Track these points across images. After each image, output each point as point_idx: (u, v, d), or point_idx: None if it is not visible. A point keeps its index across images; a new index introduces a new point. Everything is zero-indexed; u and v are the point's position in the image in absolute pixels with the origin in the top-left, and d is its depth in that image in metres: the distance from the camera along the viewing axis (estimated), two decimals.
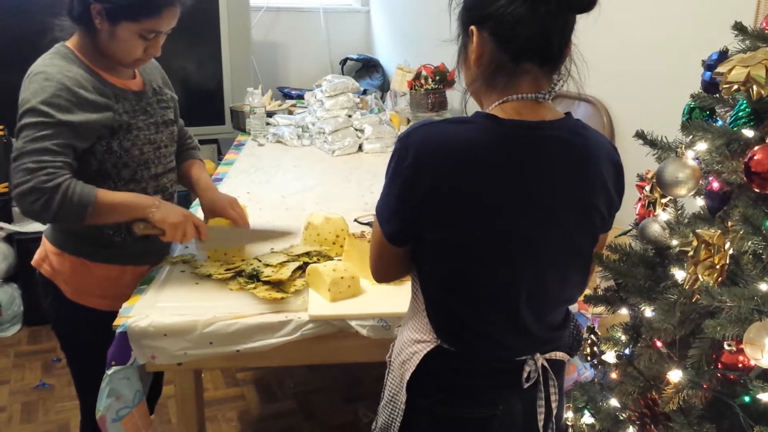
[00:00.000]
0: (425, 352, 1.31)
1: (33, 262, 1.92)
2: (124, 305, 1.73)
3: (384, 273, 1.38)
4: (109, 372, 1.63)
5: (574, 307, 1.74)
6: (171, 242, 1.93)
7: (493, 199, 1.19)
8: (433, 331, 1.31)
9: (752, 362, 1.11)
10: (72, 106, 1.66)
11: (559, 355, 1.38)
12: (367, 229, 2.17)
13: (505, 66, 1.20)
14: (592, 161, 1.26)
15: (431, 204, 1.19)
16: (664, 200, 1.45)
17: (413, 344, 1.33)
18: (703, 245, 1.16)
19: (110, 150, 1.76)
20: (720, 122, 1.38)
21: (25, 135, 1.62)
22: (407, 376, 1.32)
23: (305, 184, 2.88)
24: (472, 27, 1.22)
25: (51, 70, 1.67)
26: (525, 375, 1.31)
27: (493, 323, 1.28)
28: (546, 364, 1.34)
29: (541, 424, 1.36)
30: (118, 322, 1.65)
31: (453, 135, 1.19)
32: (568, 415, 1.58)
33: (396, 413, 1.35)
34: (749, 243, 1.18)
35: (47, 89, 1.64)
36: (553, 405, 1.38)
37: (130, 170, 1.82)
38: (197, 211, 2.21)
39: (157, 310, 1.70)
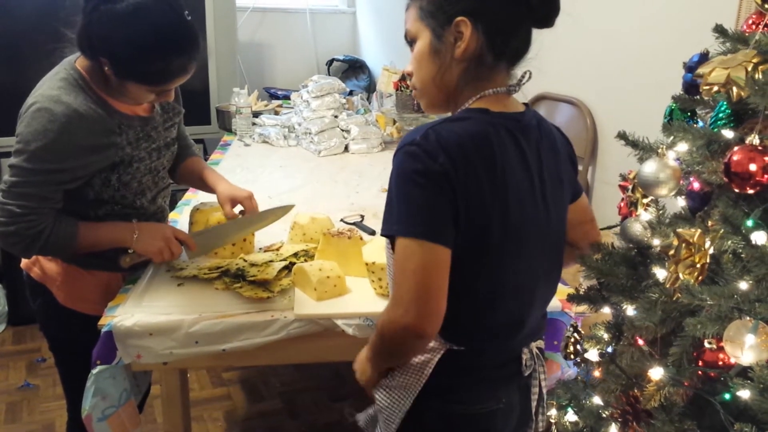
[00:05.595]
0: (436, 360, 1.30)
1: (22, 265, 1.90)
2: (110, 304, 1.72)
3: (435, 301, 1.16)
4: (94, 371, 1.63)
5: (558, 306, 1.75)
6: None
7: (512, 189, 1.22)
8: (440, 337, 1.28)
9: (732, 360, 1.12)
10: (70, 153, 1.61)
11: (541, 342, 1.45)
12: (344, 225, 2.17)
13: (486, 63, 1.25)
14: (557, 143, 1.37)
15: (463, 200, 1.16)
16: (645, 200, 1.47)
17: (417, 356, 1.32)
18: (683, 244, 1.17)
19: (108, 183, 1.74)
20: (701, 123, 1.40)
21: (17, 174, 1.59)
22: (418, 388, 1.31)
23: (291, 185, 2.89)
24: (464, 18, 1.20)
25: (57, 109, 1.57)
26: (523, 364, 1.36)
27: (505, 318, 1.31)
28: (536, 350, 1.41)
29: (534, 404, 1.43)
30: (103, 321, 1.65)
31: (464, 131, 1.19)
32: (552, 412, 1.60)
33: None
34: (729, 242, 1.19)
35: (48, 134, 1.56)
36: (544, 391, 1.45)
37: (128, 200, 1.82)
38: (188, 208, 2.21)
39: (142, 309, 1.70)
